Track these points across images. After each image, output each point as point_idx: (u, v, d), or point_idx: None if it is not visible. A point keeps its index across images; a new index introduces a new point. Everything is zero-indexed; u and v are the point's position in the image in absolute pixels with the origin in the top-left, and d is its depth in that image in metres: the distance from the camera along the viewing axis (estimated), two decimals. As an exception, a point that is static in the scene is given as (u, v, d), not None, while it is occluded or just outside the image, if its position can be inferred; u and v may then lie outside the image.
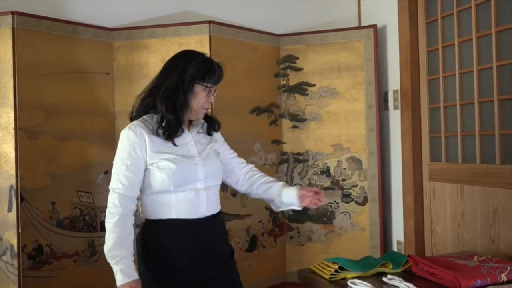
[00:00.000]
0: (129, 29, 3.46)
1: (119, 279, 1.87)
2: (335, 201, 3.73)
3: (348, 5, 4.02)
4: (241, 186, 2.28)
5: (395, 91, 3.56)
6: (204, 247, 1.99)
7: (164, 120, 1.97)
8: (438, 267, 1.93)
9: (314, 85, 3.76)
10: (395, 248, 3.59)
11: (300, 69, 3.78)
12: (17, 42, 3.01)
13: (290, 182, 3.81)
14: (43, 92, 3.13)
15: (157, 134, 1.97)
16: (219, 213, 2.12)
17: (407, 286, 1.83)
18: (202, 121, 2.16)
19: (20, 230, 2.98)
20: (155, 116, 2.01)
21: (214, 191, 2.09)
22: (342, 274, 1.99)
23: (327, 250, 3.70)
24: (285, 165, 3.82)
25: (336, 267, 2.00)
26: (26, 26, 3.06)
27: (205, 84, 2.00)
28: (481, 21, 2.84)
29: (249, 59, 3.64)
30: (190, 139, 2.05)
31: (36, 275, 3.06)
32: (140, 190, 2.01)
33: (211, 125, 2.17)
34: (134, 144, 1.95)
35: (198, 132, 2.12)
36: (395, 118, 3.58)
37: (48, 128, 3.14)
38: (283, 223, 3.82)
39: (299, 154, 3.80)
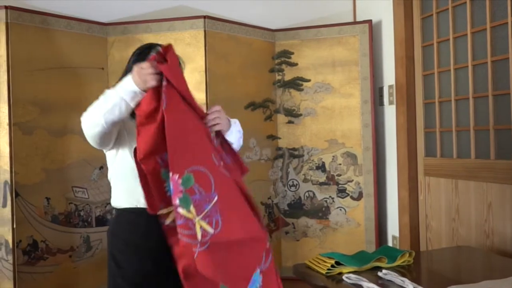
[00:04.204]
0: (124, 24, 3.45)
1: (127, 79, 1.78)
2: (330, 196, 3.73)
3: (343, 0, 4.01)
4: None
5: (390, 87, 3.57)
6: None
7: None
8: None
9: (309, 80, 3.76)
10: (390, 243, 3.61)
11: (295, 64, 3.78)
12: (11, 37, 2.99)
13: (285, 178, 3.81)
14: (37, 87, 3.11)
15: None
16: None
17: (402, 280, 1.84)
18: None
19: (15, 226, 2.98)
20: None
21: None
22: (338, 269, 1.99)
23: (323, 245, 3.71)
24: (280, 160, 3.83)
25: (333, 262, 2.01)
26: (20, 21, 3.04)
27: None
28: (476, 17, 2.85)
29: (244, 54, 3.63)
30: None
31: (31, 271, 3.05)
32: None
33: None
34: None
35: None
36: (390, 114, 3.59)
37: (42, 124, 3.13)
38: (278, 218, 3.83)
39: (294, 149, 3.80)
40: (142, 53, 2.02)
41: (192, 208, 1.63)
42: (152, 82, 1.72)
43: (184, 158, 1.69)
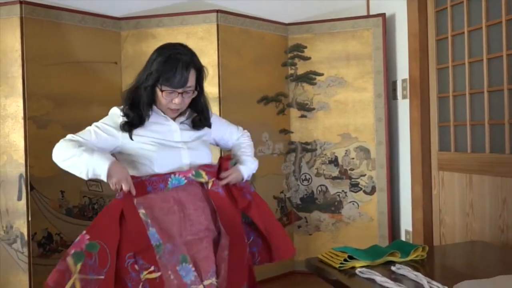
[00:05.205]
0: (137, 18, 3.45)
1: (101, 163, 1.85)
2: (343, 191, 3.72)
3: (357, -7, 3.99)
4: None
5: (403, 80, 3.54)
6: None
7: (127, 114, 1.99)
8: None
9: (322, 74, 3.74)
10: (403, 238, 3.59)
11: (308, 58, 3.76)
12: (25, 32, 3.01)
13: (298, 172, 3.81)
14: (51, 82, 3.13)
15: (123, 129, 1.98)
16: None
17: (415, 275, 1.82)
18: (191, 113, 2.11)
19: (30, 219, 3.01)
20: None
21: None
22: (351, 263, 1.98)
23: (335, 239, 3.70)
24: (293, 154, 3.82)
25: (345, 256, 2.00)
26: (34, 15, 3.06)
27: (161, 88, 1.94)
28: (491, 10, 2.82)
29: (257, 48, 3.62)
30: (175, 127, 2.04)
31: (46, 263, 3.08)
32: None
33: (201, 121, 2.11)
34: (114, 120, 2.01)
35: (181, 122, 2.08)
36: (403, 108, 3.56)
37: (56, 118, 3.15)
38: (291, 212, 3.83)
39: (307, 143, 3.79)
40: (168, 64, 1.94)
41: (79, 265, 1.75)
42: (125, 188, 1.87)
43: (103, 232, 1.84)
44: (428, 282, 1.75)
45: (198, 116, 2.11)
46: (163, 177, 1.95)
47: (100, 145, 1.97)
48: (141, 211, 1.91)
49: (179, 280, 1.82)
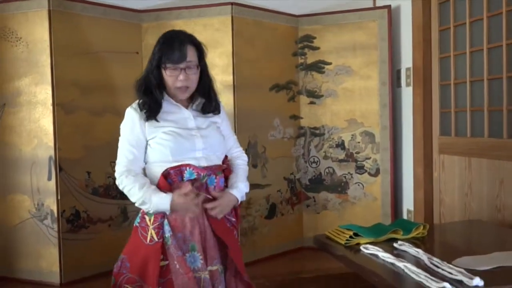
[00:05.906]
0: (157, 11, 3.47)
1: (162, 206, 1.88)
2: (349, 173, 3.73)
3: (364, -14, 3.95)
4: None
5: (407, 69, 3.53)
6: None
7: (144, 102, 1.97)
8: None
9: (330, 64, 3.74)
10: (405, 216, 3.60)
11: (317, 48, 3.76)
12: (53, 24, 3.05)
13: (307, 155, 3.82)
14: (77, 70, 3.17)
15: (147, 118, 1.96)
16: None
17: (416, 251, 1.84)
18: (201, 99, 2.07)
19: (59, 197, 3.07)
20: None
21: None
22: (356, 240, 2.01)
23: (342, 217, 3.73)
24: (302, 138, 3.83)
25: (351, 233, 2.02)
26: (61, 8, 3.08)
27: (164, 66, 1.93)
28: (492, 1, 2.79)
29: (269, 39, 3.62)
30: (188, 114, 2.01)
31: (74, 238, 3.15)
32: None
33: (208, 105, 2.07)
34: (135, 121, 1.97)
35: (193, 109, 2.05)
36: (407, 95, 3.55)
37: (83, 104, 3.19)
38: (300, 193, 3.85)
39: (315, 128, 3.80)
40: (166, 43, 1.94)
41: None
42: (196, 211, 1.91)
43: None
44: (428, 258, 1.76)
45: (205, 100, 2.07)
46: (180, 170, 1.93)
47: (142, 154, 1.98)
48: None
49: (184, 269, 1.86)
